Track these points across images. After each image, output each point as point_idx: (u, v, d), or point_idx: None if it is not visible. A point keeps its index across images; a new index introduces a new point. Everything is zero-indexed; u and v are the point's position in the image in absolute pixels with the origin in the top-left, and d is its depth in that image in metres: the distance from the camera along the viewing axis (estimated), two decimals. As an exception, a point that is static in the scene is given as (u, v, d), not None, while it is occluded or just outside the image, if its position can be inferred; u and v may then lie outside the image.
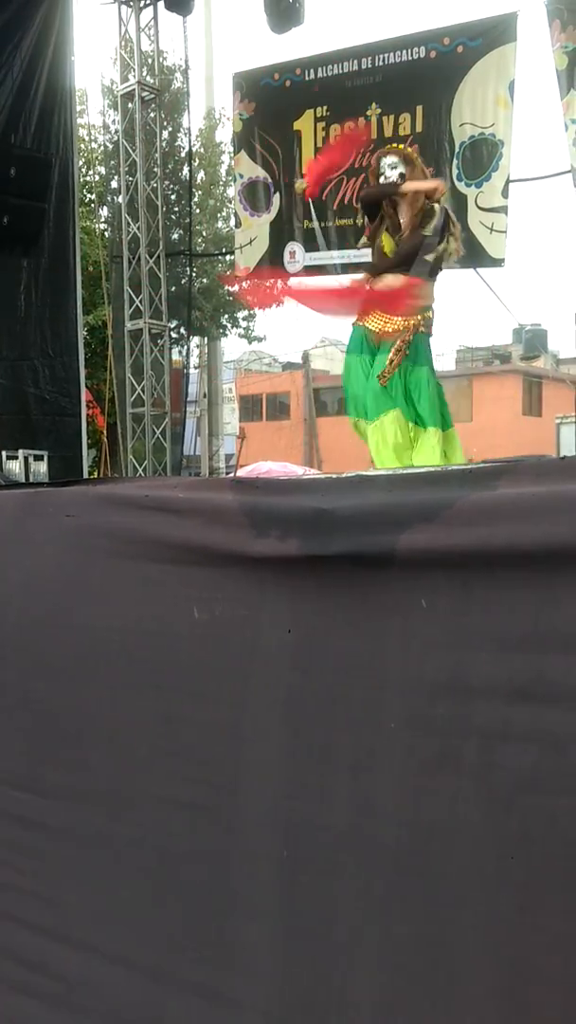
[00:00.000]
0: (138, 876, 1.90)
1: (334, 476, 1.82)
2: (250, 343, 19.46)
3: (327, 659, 1.68)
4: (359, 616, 1.64)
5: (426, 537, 1.55)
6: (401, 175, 5.02)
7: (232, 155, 10.15)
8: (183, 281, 12.39)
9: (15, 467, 7.71)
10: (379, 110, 8.22)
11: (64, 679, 2.05)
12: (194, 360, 18.07)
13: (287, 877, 1.70)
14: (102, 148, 14.64)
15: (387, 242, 5.12)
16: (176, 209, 14.02)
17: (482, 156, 7.88)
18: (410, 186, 5.01)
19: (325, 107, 8.57)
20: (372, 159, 5.36)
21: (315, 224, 8.74)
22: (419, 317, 4.99)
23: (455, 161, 7.95)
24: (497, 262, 7.87)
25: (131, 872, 1.91)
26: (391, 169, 5.06)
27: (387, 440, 4.83)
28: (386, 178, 5.06)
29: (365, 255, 8.29)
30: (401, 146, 5.42)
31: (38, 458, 7.99)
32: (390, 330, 4.95)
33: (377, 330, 4.98)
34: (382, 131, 8.20)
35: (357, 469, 2.71)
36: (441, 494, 1.56)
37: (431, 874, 1.54)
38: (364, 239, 5.48)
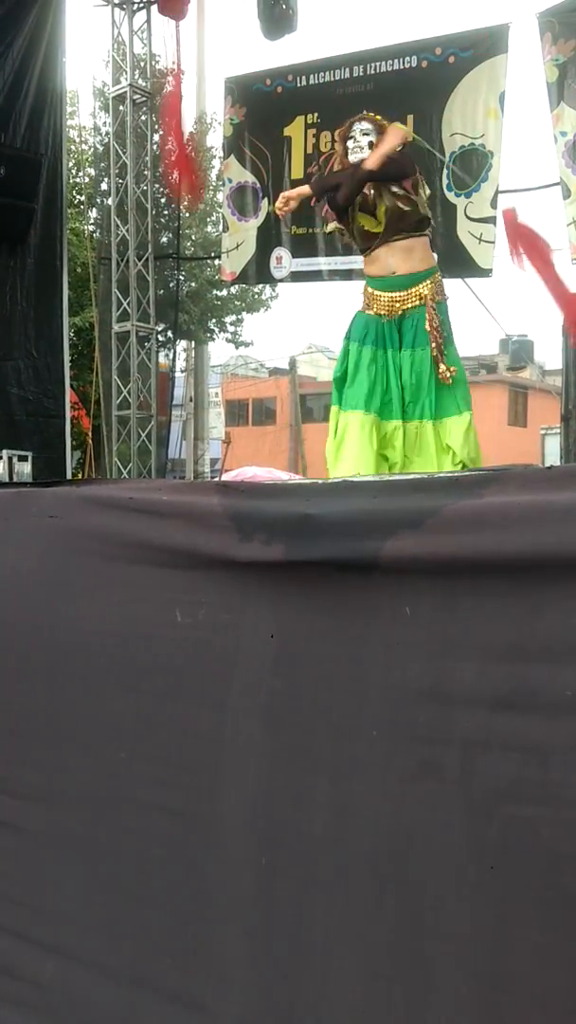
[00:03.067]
0: (114, 880, 1.88)
1: (320, 481, 1.82)
2: (237, 348, 19.44)
3: (309, 665, 1.67)
4: (342, 622, 1.64)
5: (411, 544, 1.55)
6: (371, 143, 4.65)
7: (222, 160, 10.14)
8: (171, 284, 12.37)
9: (-1, 467, 7.69)
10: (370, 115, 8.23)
11: (43, 680, 2.03)
12: (180, 364, 18.06)
13: (265, 884, 1.69)
14: (92, 150, 14.60)
15: (365, 220, 4.72)
16: (166, 212, 13.98)
17: (472, 167, 7.90)
18: (377, 157, 4.54)
19: (316, 114, 8.57)
20: (340, 131, 4.94)
21: (303, 230, 8.75)
22: (429, 283, 4.62)
23: (445, 171, 7.96)
24: (485, 272, 7.89)
25: (107, 876, 1.89)
26: (363, 136, 4.68)
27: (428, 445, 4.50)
28: (356, 143, 4.69)
29: (353, 261, 8.32)
30: (372, 113, 4.86)
31: (22, 459, 7.95)
32: (409, 306, 4.56)
33: (387, 312, 4.59)
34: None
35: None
36: (427, 501, 1.56)
37: (410, 883, 1.54)
38: (333, 225, 5.06)
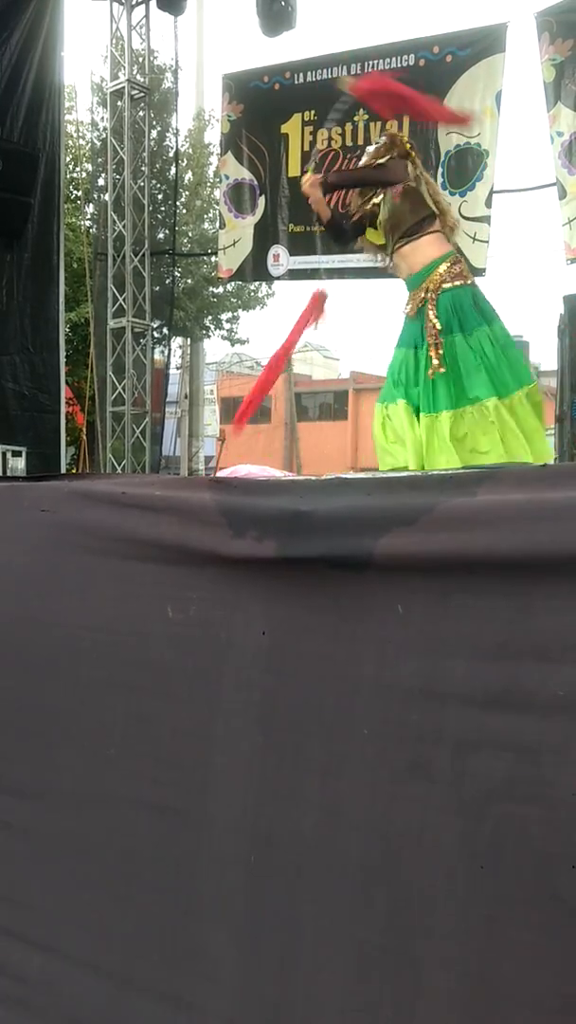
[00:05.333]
0: (102, 878, 1.87)
1: (313, 478, 1.81)
2: (233, 345, 19.43)
3: (301, 663, 1.66)
4: (335, 620, 1.63)
5: (404, 542, 1.54)
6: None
7: (219, 156, 10.13)
8: (167, 281, 12.36)
9: (-6, 462, 7.69)
10: (366, 116, 8.23)
11: (33, 676, 2.02)
12: (176, 361, 18.04)
13: (254, 882, 1.68)
14: (90, 145, 14.57)
15: (374, 236, 4.71)
16: (163, 209, 13.97)
17: (467, 165, 7.91)
18: (334, 173, 4.61)
19: (313, 111, 8.57)
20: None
21: (300, 228, 8.75)
22: (439, 270, 4.51)
23: (440, 169, 7.97)
24: (479, 271, 7.89)
25: (95, 873, 1.88)
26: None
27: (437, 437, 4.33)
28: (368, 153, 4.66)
29: (350, 260, 8.32)
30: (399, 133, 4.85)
31: (16, 454, 7.95)
32: (419, 299, 4.47)
33: (413, 312, 4.52)
34: (369, 137, 8.21)
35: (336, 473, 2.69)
36: (421, 499, 1.55)
37: (400, 883, 1.53)
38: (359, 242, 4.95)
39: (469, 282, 4.57)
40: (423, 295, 4.49)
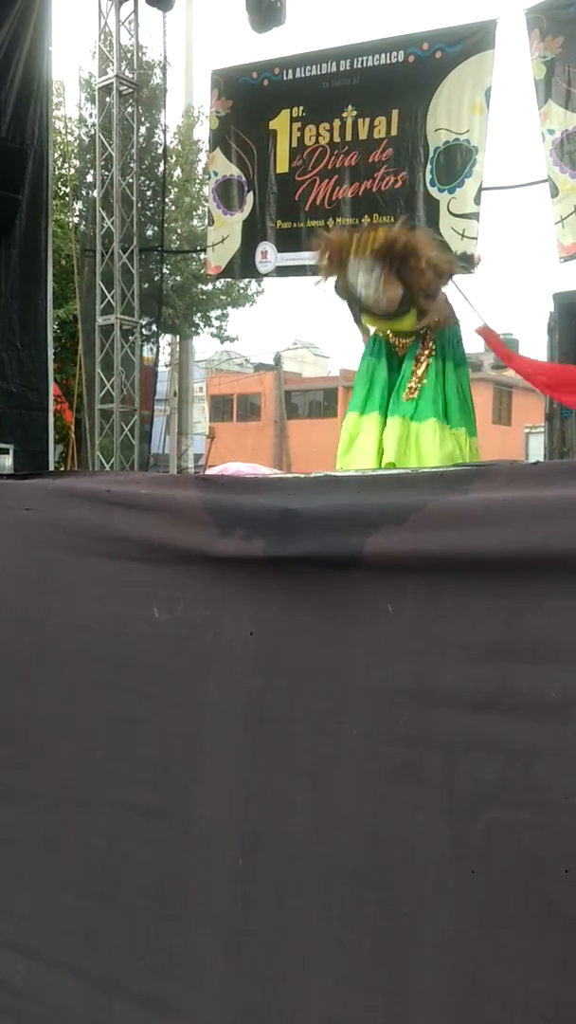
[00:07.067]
0: (88, 882, 1.85)
1: (302, 476, 1.78)
2: (222, 343, 19.38)
3: (289, 663, 1.64)
4: (323, 620, 1.60)
5: (394, 540, 1.51)
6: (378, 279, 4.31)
7: (208, 152, 10.09)
8: (156, 278, 12.31)
9: (-19, 460, 7.65)
10: (355, 112, 8.19)
11: (15, 676, 1.99)
12: (165, 358, 17.99)
13: (242, 886, 1.65)
14: (78, 141, 14.51)
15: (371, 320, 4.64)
16: (151, 205, 13.91)
17: (456, 162, 7.88)
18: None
19: (301, 107, 8.52)
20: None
21: (287, 224, 8.71)
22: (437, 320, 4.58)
23: (429, 166, 7.94)
24: (467, 269, 7.87)
25: (80, 877, 1.85)
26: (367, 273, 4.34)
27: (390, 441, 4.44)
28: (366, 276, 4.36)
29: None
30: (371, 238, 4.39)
31: (3, 452, 7.90)
32: (409, 342, 4.57)
33: (397, 343, 4.63)
34: (357, 134, 8.18)
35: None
36: (411, 497, 1.52)
37: (389, 886, 1.51)
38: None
39: (456, 322, 4.73)
40: (416, 338, 4.57)
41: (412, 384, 4.52)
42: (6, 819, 1.97)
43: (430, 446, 4.45)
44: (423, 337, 4.56)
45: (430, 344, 4.56)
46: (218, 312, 17.42)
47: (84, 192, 13.07)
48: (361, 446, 4.62)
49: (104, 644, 1.86)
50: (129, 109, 9.64)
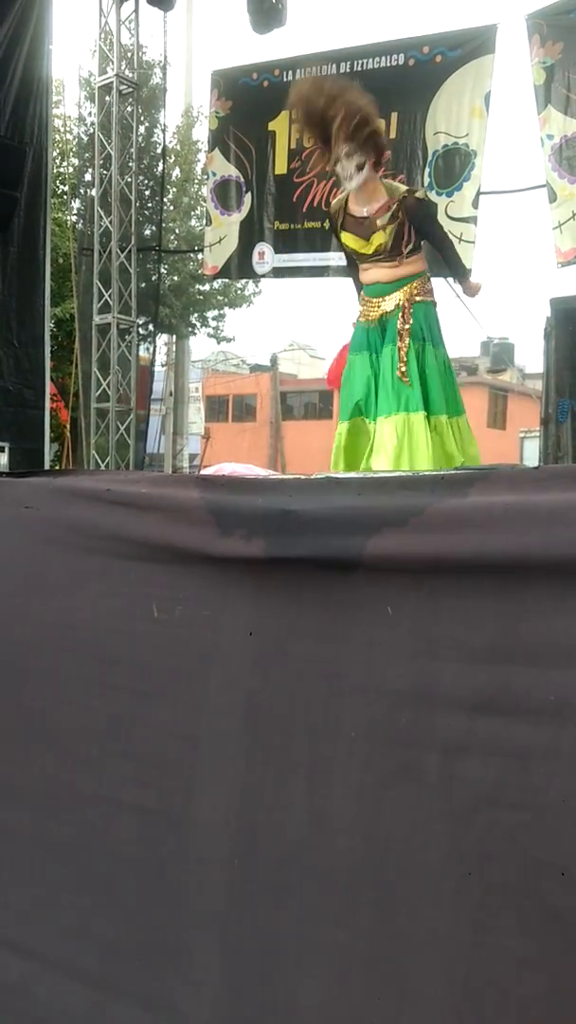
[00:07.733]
0: (83, 880, 1.85)
1: (303, 477, 1.79)
2: (219, 343, 19.38)
3: (288, 664, 1.64)
4: (323, 621, 1.61)
5: (394, 543, 1.52)
6: (358, 166, 4.39)
7: (206, 153, 10.09)
8: (153, 277, 12.30)
9: (-22, 459, 7.64)
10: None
11: (12, 673, 1.99)
12: (161, 358, 17.98)
13: (238, 886, 1.66)
14: (77, 140, 14.50)
15: (351, 240, 4.62)
16: (150, 205, 13.90)
17: (454, 166, 7.88)
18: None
19: (301, 109, 8.54)
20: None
21: (285, 225, 8.72)
22: (414, 284, 4.58)
23: (427, 169, 7.95)
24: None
25: (75, 875, 1.85)
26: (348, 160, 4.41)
27: (385, 443, 4.41)
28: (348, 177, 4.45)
29: (334, 258, 8.29)
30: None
31: (-1, 449, 7.89)
32: (389, 308, 4.55)
33: (376, 317, 4.60)
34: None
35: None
36: (412, 499, 1.53)
37: (386, 888, 1.51)
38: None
39: (434, 301, 4.70)
40: (395, 304, 4.57)
41: (401, 368, 4.51)
42: (5, 816, 1.97)
43: (422, 439, 4.48)
44: (402, 309, 4.55)
45: (408, 318, 4.54)
46: (215, 312, 17.43)
47: (82, 191, 13.05)
48: (350, 455, 4.64)
49: (103, 643, 1.86)
50: (129, 108, 9.63)
